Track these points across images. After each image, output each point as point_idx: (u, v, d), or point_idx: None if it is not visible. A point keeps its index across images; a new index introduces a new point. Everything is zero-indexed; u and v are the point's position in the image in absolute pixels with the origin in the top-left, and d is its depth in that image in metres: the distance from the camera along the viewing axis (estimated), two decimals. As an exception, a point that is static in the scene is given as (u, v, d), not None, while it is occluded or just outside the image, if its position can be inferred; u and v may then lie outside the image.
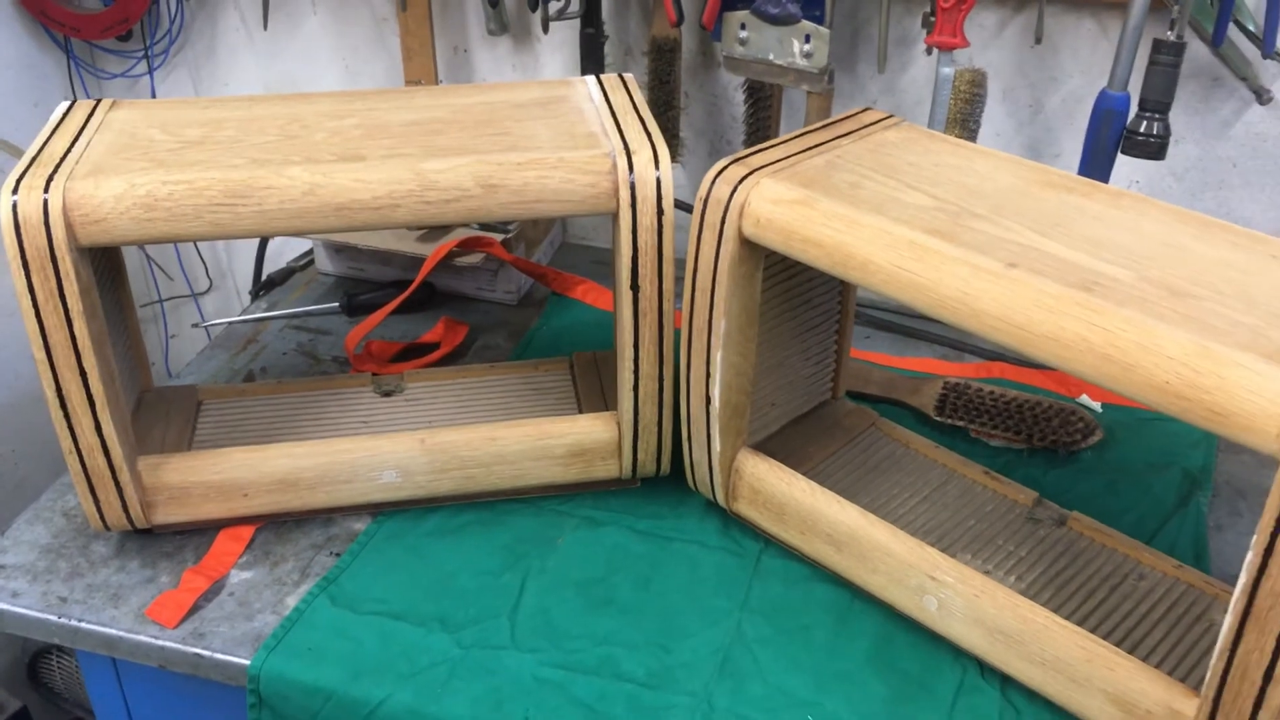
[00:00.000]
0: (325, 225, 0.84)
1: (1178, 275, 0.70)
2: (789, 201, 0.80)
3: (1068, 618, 0.78)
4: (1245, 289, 0.69)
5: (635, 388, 0.93)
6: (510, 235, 1.30)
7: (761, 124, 1.30)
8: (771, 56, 1.20)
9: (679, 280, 0.89)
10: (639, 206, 0.86)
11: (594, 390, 1.07)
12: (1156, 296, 0.68)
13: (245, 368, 1.21)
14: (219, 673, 0.86)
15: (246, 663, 0.85)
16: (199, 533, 0.96)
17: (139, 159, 0.84)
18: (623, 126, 0.90)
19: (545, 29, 1.33)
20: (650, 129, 0.89)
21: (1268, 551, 0.62)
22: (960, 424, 1.09)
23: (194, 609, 0.89)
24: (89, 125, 0.90)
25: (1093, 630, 0.78)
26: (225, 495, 0.94)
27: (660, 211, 0.86)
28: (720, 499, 0.96)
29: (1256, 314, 0.66)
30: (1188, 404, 0.63)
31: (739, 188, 0.82)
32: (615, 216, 0.87)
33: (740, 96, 1.32)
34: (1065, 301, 0.68)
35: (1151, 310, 0.66)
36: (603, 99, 0.95)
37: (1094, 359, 0.66)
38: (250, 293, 1.40)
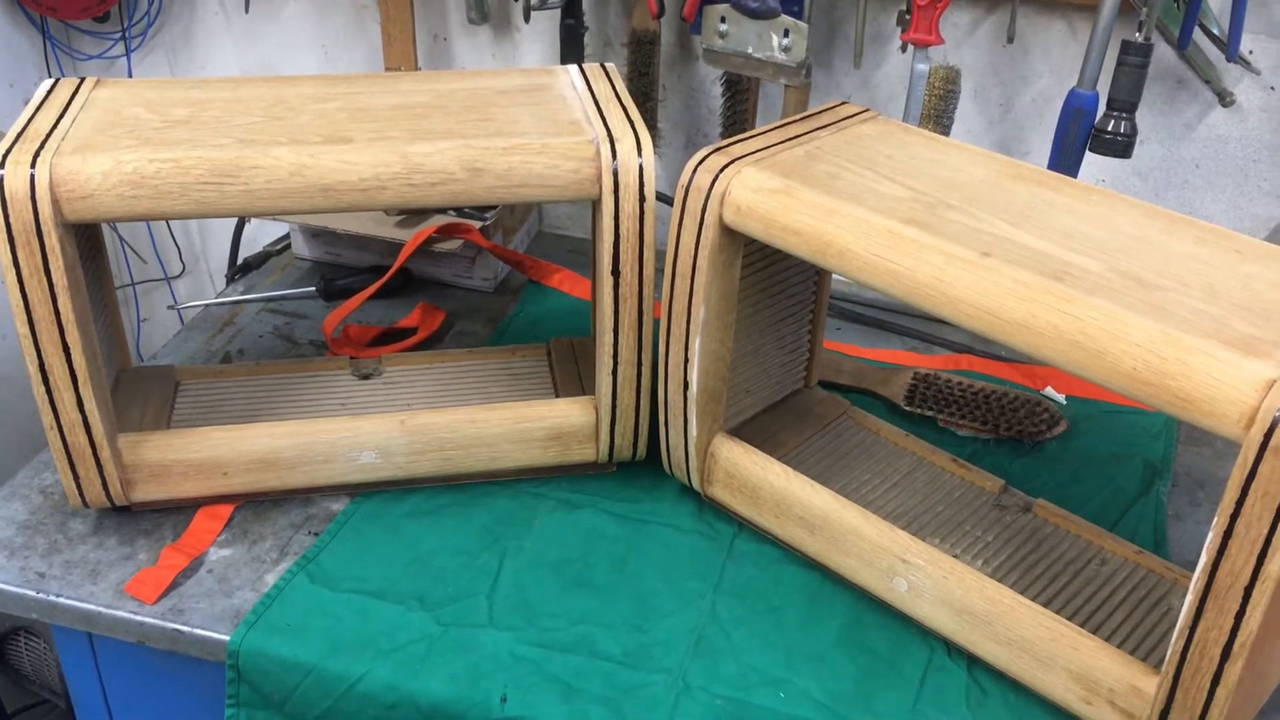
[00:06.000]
0: (311, 206, 0.85)
1: (1145, 267, 0.73)
2: (769, 190, 0.81)
3: (1033, 600, 0.80)
4: (1209, 281, 0.71)
5: (614, 372, 0.95)
6: (488, 223, 1.31)
7: (739, 116, 1.32)
8: (750, 50, 1.21)
9: (657, 270, 0.90)
10: (621, 193, 0.87)
11: (571, 376, 1.08)
12: (1125, 286, 0.70)
13: (222, 350, 1.21)
14: (198, 648, 0.87)
15: (226, 638, 0.85)
16: (177, 511, 0.97)
17: (125, 137, 0.85)
18: (606, 115, 0.91)
19: (526, 18, 1.34)
20: (633, 118, 0.91)
21: (1227, 533, 0.64)
22: (929, 414, 1.11)
23: (173, 586, 0.90)
24: (74, 102, 0.90)
25: (1057, 612, 0.80)
26: (205, 474, 0.94)
27: (642, 199, 0.88)
28: (695, 483, 0.97)
29: (1219, 304, 0.68)
30: (1154, 390, 0.65)
31: (720, 176, 0.83)
32: (598, 203, 0.88)
33: (717, 89, 1.34)
34: (1037, 290, 0.70)
35: (1120, 299, 0.68)
36: (585, 88, 0.97)
37: (1064, 345, 0.68)
38: (226, 276, 1.40)
